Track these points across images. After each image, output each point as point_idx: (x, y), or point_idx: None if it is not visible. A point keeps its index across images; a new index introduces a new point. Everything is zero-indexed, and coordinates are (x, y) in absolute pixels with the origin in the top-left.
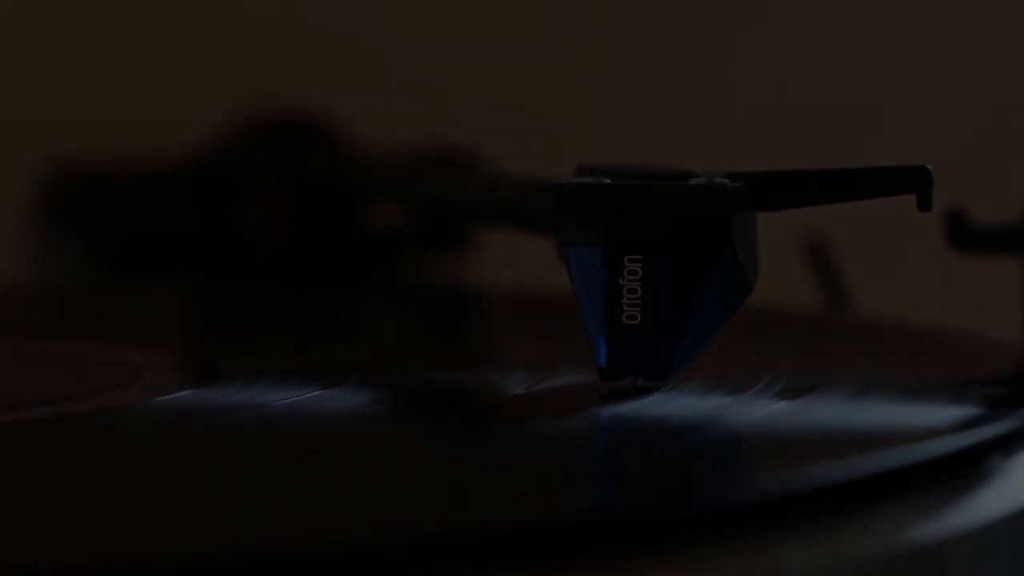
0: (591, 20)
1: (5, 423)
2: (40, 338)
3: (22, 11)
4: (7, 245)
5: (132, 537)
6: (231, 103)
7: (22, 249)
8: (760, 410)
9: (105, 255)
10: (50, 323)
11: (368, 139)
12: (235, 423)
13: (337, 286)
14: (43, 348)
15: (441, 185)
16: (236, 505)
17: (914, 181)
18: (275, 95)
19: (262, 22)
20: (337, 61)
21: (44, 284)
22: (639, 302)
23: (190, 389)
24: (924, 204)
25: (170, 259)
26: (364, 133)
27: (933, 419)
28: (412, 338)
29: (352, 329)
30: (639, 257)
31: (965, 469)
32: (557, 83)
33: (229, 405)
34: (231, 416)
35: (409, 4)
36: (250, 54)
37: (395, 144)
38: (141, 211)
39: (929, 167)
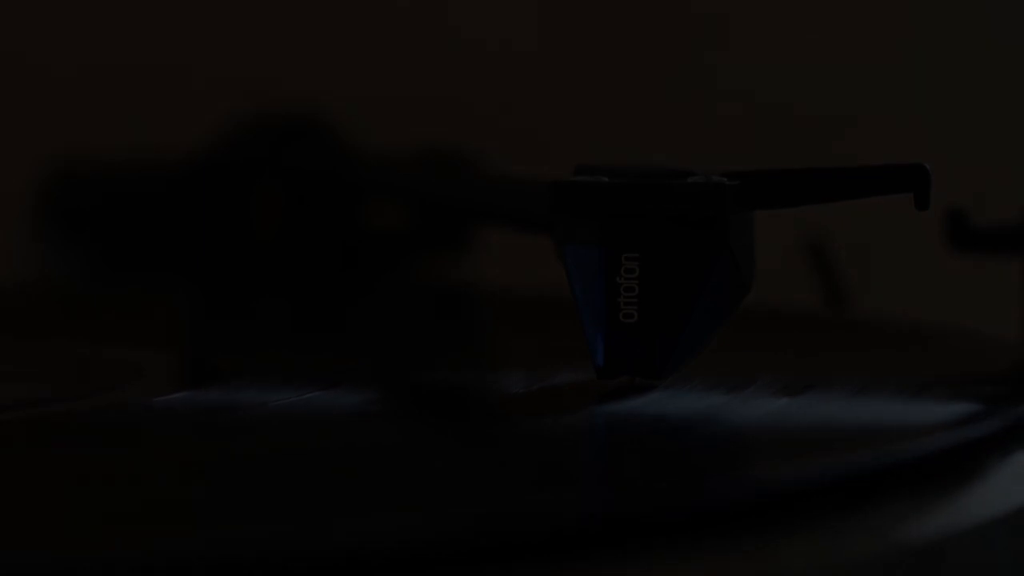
0: (588, 22)
1: (5, 422)
2: (40, 338)
3: (22, 11)
4: (7, 245)
5: (131, 537)
6: (231, 103)
7: (22, 249)
8: (758, 408)
9: (105, 255)
10: (50, 323)
11: (368, 139)
12: (235, 423)
13: (336, 286)
14: (43, 348)
15: (441, 185)
16: (236, 505)
17: (912, 180)
18: (275, 95)
19: (262, 22)
20: (337, 60)
21: (44, 284)
22: (636, 301)
23: (190, 389)
24: (922, 203)
25: (170, 259)
26: (364, 133)
27: (931, 417)
28: (411, 337)
29: (351, 328)
30: (636, 256)
31: (963, 466)
32: (556, 83)
33: (229, 405)
34: (231, 416)
35: (410, 3)
36: (250, 54)
37: (395, 144)
38: (141, 211)
39: (927, 166)
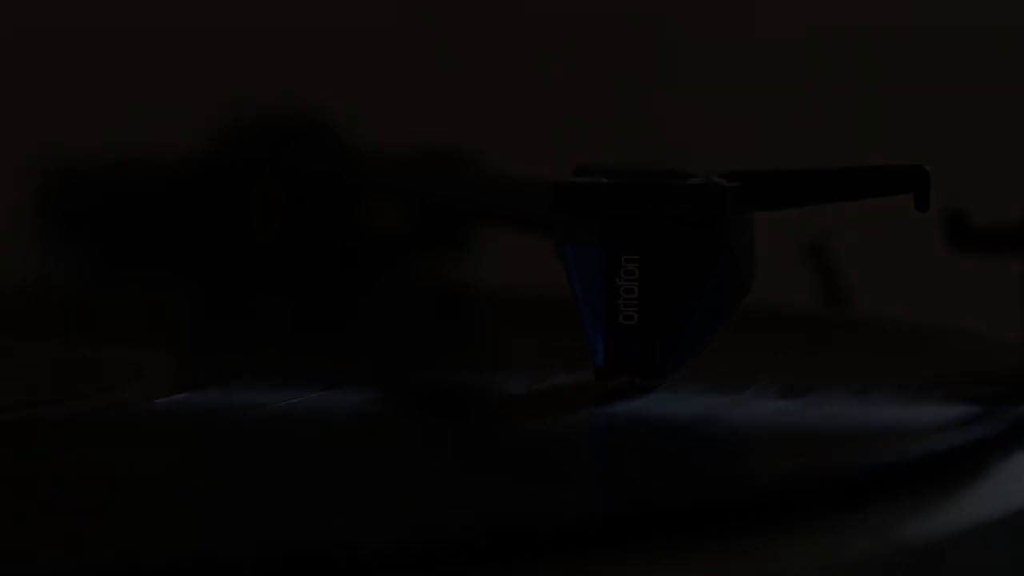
0: (588, 22)
1: (5, 422)
2: (40, 338)
3: (23, 10)
4: (7, 245)
5: (130, 538)
6: (232, 103)
7: (23, 249)
8: (759, 408)
9: (105, 255)
10: (50, 323)
11: (368, 139)
12: (235, 423)
13: (336, 286)
14: (43, 348)
15: (441, 185)
16: (236, 506)
17: (912, 181)
18: (276, 95)
19: (263, 22)
20: (337, 61)
21: (44, 284)
22: (636, 303)
23: (190, 390)
24: (921, 204)
25: (170, 259)
26: (364, 133)
27: (931, 417)
28: (410, 338)
29: (351, 329)
30: (636, 257)
31: (963, 467)
32: (555, 83)
33: (229, 405)
34: (231, 416)
35: (411, 3)
36: (250, 54)
37: (395, 144)
38: (141, 211)
39: (926, 167)
